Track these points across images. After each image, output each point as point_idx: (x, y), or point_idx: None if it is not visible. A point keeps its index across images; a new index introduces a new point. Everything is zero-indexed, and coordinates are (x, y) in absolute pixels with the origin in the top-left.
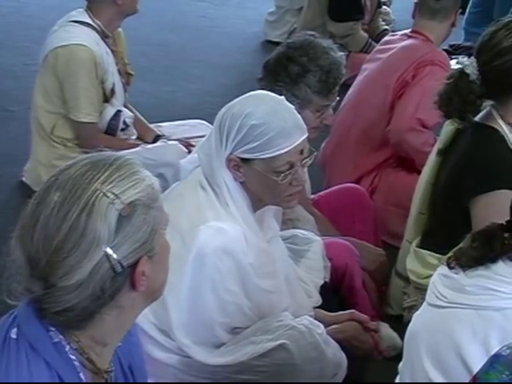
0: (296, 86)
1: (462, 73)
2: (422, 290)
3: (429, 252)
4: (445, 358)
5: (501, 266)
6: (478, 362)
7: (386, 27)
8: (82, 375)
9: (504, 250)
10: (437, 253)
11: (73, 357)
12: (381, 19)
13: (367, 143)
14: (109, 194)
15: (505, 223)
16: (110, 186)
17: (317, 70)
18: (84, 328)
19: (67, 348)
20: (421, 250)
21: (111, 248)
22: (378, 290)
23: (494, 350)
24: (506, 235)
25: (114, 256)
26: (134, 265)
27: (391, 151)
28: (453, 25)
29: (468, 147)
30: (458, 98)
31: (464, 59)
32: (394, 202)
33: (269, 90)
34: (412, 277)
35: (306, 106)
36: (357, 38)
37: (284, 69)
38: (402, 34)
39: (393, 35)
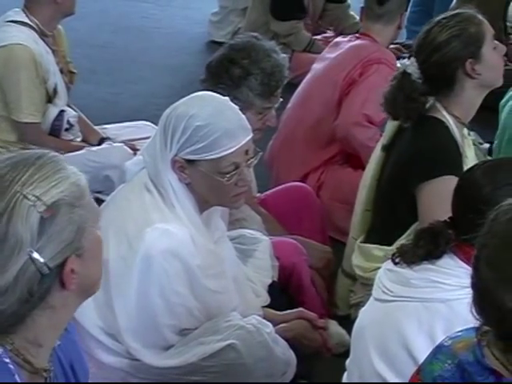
0: (238, 88)
1: (404, 73)
2: (368, 285)
3: (374, 245)
4: (392, 351)
5: (444, 259)
6: (424, 353)
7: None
8: (17, 377)
9: (448, 245)
10: (382, 245)
11: (6, 359)
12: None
13: (314, 140)
14: (29, 197)
15: (448, 220)
16: (30, 188)
17: (259, 73)
18: (16, 331)
19: (0, 351)
20: (365, 244)
21: (36, 251)
22: (326, 288)
23: (439, 340)
24: (450, 232)
25: (40, 259)
26: (62, 264)
27: (338, 148)
28: (399, 27)
29: (413, 137)
30: (402, 97)
31: (405, 60)
32: (340, 198)
33: (211, 92)
34: (358, 272)
35: (248, 108)
36: (300, 37)
37: (226, 71)
38: (351, 36)
39: (343, 37)
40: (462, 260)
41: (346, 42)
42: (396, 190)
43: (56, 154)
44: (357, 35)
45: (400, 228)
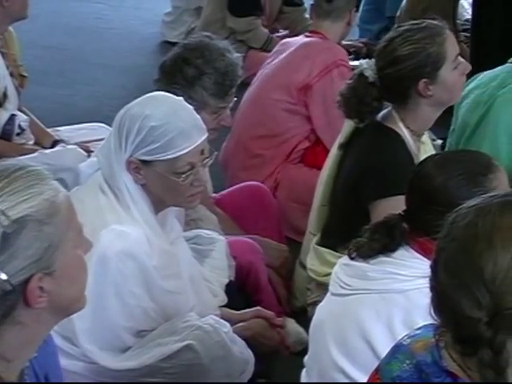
0: (192, 88)
1: (360, 75)
2: (324, 285)
3: (328, 250)
4: (351, 343)
5: (400, 252)
6: (382, 344)
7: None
8: None
9: (403, 238)
10: (336, 251)
11: None
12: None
13: (268, 140)
14: None
15: (402, 213)
16: None
17: (212, 73)
18: None
19: None
20: (320, 247)
21: None
22: (283, 286)
23: (398, 330)
24: (405, 225)
25: (1, 275)
26: (27, 282)
27: (291, 147)
28: (348, 24)
29: (368, 148)
30: (355, 100)
31: (364, 61)
32: (295, 199)
33: (165, 92)
34: (312, 275)
35: (203, 108)
36: (258, 34)
37: (180, 71)
38: (302, 35)
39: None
40: (417, 251)
41: (296, 41)
42: (349, 200)
43: (39, 167)
44: (307, 33)
45: (353, 236)
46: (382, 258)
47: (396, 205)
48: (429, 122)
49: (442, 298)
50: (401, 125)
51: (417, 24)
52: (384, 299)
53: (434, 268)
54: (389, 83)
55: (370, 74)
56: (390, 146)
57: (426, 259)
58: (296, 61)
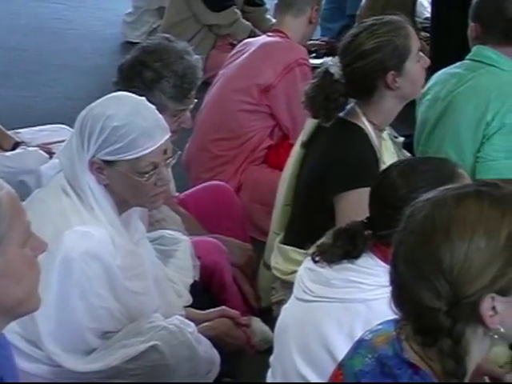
0: (150, 92)
1: (326, 72)
2: (288, 284)
3: (292, 247)
4: (313, 351)
5: (363, 258)
6: (343, 353)
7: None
8: None
9: (366, 245)
10: (300, 248)
11: None
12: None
13: (230, 141)
14: None
15: (365, 221)
16: None
17: (171, 76)
18: None
19: None
20: (284, 245)
21: None
22: (249, 284)
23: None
24: (367, 232)
25: None
26: None
27: (254, 145)
28: (310, 22)
29: (332, 143)
30: (321, 97)
31: (328, 59)
32: (259, 200)
33: None
34: (276, 273)
35: (163, 111)
36: (242, 24)
37: (138, 74)
38: (264, 35)
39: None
40: (381, 259)
41: (256, 41)
42: (313, 195)
43: None
44: (269, 33)
45: (317, 232)
46: (346, 265)
47: (360, 197)
48: (391, 116)
49: (402, 290)
50: (364, 119)
51: (380, 19)
52: (346, 309)
53: (393, 261)
54: (356, 78)
55: (335, 70)
56: (353, 140)
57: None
58: (257, 62)
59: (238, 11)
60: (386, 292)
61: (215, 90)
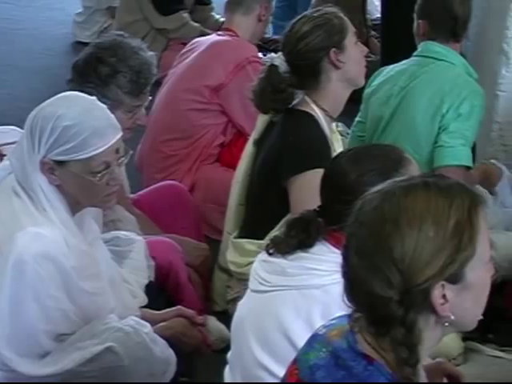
0: (106, 87)
1: (271, 66)
2: (243, 280)
3: (247, 240)
4: (272, 339)
5: (318, 247)
6: (302, 339)
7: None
8: None
9: (319, 233)
10: (255, 239)
11: None
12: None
13: (182, 141)
14: None
15: (317, 209)
16: None
17: (127, 71)
18: None
19: None
20: (239, 240)
21: None
22: (204, 284)
23: (318, 325)
24: (320, 220)
25: None
26: None
27: (206, 142)
28: (260, 19)
29: (282, 131)
30: (269, 89)
31: (272, 54)
32: (212, 199)
33: (79, 92)
34: (232, 267)
35: (118, 106)
36: (190, 28)
37: (93, 70)
38: (213, 34)
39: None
40: (334, 246)
41: (206, 40)
42: (267, 184)
43: None
44: (219, 32)
45: (272, 221)
46: (300, 254)
47: (312, 180)
48: (340, 102)
49: (354, 281)
50: (313, 106)
51: (313, 10)
52: (303, 295)
53: (345, 254)
54: (300, 61)
55: (280, 62)
56: (303, 124)
57: None
58: (206, 61)
59: (186, 15)
60: (340, 277)
61: (166, 89)
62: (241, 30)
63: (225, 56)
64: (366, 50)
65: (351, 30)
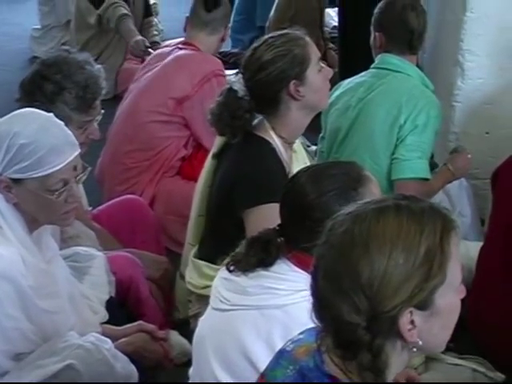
0: (53, 104)
1: (230, 90)
2: (203, 297)
3: (205, 263)
4: (232, 359)
5: (277, 264)
6: (262, 360)
7: (157, 37)
8: None
9: (279, 252)
10: (213, 263)
11: None
12: (153, 29)
13: (143, 153)
14: None
15: (277, 228)
16: None
17: (73, 87)
18: None
19: None
20: (198, 260)
21: None
22: (165, 298)
23: (278, 346)
24: (280, 239)
25: None
26: None
27: (168, 155)
28: (222, 39)
29: (239, 157)
30: (227, 114)
31: (232, 76)
32: (173, 211)
33: None
34: (190, 288)
35: (68, 123)
36: (116, 10)
37: (39, 88)
38: (174, 47)
39: (166, 46)
40: (295, 264)
41: (169, 53)
42: (223, 209)
43: None
44: (180, 45)
45: (228, 245)
46: (261, 272)
47: (269, 213)
48: (300, 129)
49: (322, 303)
50: (272, 133)
51: (278, 32)
52: (263, 315)
53: (314, 275)
54: (259, 91)
55: (238, 87)
56: (260, 155)
57: (304, 272)
58: (172, 73)
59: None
60: (301, 296)
61: (127, 102)
62: (203, 47)
63: (191, 68)
64: (331, 72)
65: (315, 58)
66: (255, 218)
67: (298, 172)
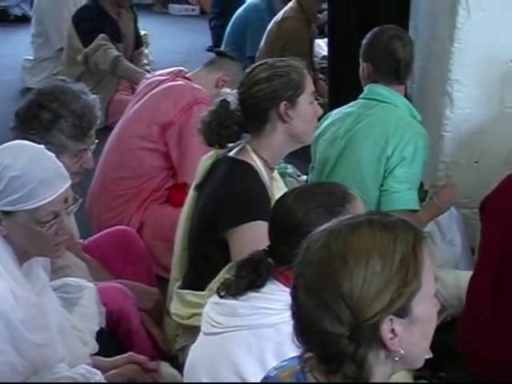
0: (49, 132)
1: (223, 101)
2: (190, 328)
3: (188, 291)
4: (224, 379)
5: (268, 286)
6: (256, 378)
7: (148, 67)
8: None
9: (270, 273)
10: (197, 290)
11: None
12: (143, 59)
13: (132, 180)
14: None
15: (266, 249)
16: None
17: (69, 115)
18: None
19: None
20: (182, 290)
21: None
22: (156, 328)
23: (270, 364)
24: (270, 260)
25: None
26: None
27: (156, 184)
28: (217, 85)
29: (222, 181)
30: (216, 122)
31: (227, 90)
32: (161, 237)
33: (22, 139)
34: (177, 319)
35: (63, 152)
36: (106, 53)
37: (35, 116)
38: (166, 76)
39: (159, 75)
40: (284, 284)
41: (160, 82)
42: (206, 234)
43: None
44: (173, 75)
45: (211, 271)
46: (251, 294)
47: (253, 231)
48: (280, 154)
49: (304, 320)
50: (253, 155)
51: (279, 58)
52: (255, 335)
53: (293, 293)
54: (250, 105)
55: (231, 99)
56: (242, 176)
57: None
58: (158, 101)
59: (105, 41)
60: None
61: (117, 131)
62: (197, 82)
63: (176, 96)
64: (320, 111)
65: (309, 89)
66: (240, 237)
67: (286, 193)
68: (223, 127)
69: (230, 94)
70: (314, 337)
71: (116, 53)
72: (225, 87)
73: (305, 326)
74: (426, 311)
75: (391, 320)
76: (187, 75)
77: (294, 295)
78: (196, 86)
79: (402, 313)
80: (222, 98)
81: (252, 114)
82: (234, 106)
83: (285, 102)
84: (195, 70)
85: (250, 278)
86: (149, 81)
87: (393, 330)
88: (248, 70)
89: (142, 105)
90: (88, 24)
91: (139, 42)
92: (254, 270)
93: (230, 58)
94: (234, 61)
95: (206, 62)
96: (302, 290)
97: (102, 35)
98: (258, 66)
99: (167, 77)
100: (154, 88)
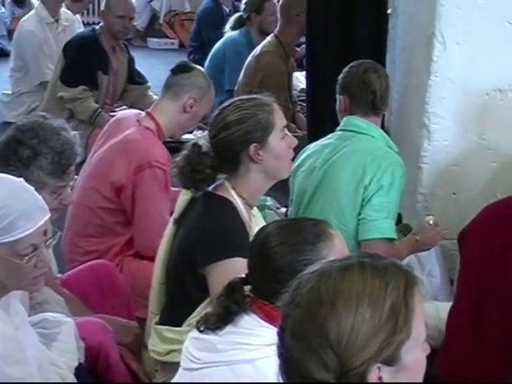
0: (28, 169)
1: (194, 144)
2: (168, 365)
3: (165, 327)
4: None
5: (245, 320)
6: None
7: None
8: None
9: (246, 302)
10: (174, 325)
11: None
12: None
13: (99, 238)
14: None
15: (244, 276)
16: None
17: (48, 152)
18: None
19: None
20: (159, 326)
21: None
22: (136, 362)
23: None
24: (246, 288)
25: None
26: None
27: (124, 243)
28: (184, 111)
29: (200, 215)
30: (189, 168)
31: (199, 132)
32: (139, 293)
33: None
34: (154, 355)
35: (42, 188)
36: (85, 105)
37: (14, 153)
38: (134, 118)
39: (127, 114)
40: (263, 319)
41: (124, 126)
42: (184, 270)
43: None
44: (139, 117)
45: (189, 306)
46: (230, 329)
47: (232, 267)
48: (259, 192)
49: (290, 363)
50: (233, 193)
51: (247, 96)
52: (232, 371)
53: (280, 335)
54: (220, 149)
55: (203, 143)
56: (221, 211)
57: (272, 326)
58: (114, 157)
59: (87, 93)
60: (271, 350)
61: (80, 183)
62: (162, 117)
63: (130, 154)
64: (295, 142)
65: (279, 125)
66: (219, 273)
67: (265, 226)
68: (196, 172)
69: (201, 138)
70: (300, 380)
71: (94, 105)
72: (195, 107)
73: (290, 370)
74: (415, 358)
75: (379, 368)
76: (149, 110)
77: (281, 336)
78: (153, 142)
79: (391, 361)
80: (193, 142)
81: (224, 157)
82: (206, 149)
83: (254, 144)
84: (156, 102)
85: (225, 303)
86: (118, 117)
87: (380, 378)
88: (217, 112)
89: (100, 157)
90: (74, 55)
91: (133, 78)
92: (230, 295)
93: (187, 71)
94: (192, 71)
95: (163, 88)
96: (289, 333)
97: (81, 87)
98: (226, 107)
99: (135, 118)
100: (119, 131)
